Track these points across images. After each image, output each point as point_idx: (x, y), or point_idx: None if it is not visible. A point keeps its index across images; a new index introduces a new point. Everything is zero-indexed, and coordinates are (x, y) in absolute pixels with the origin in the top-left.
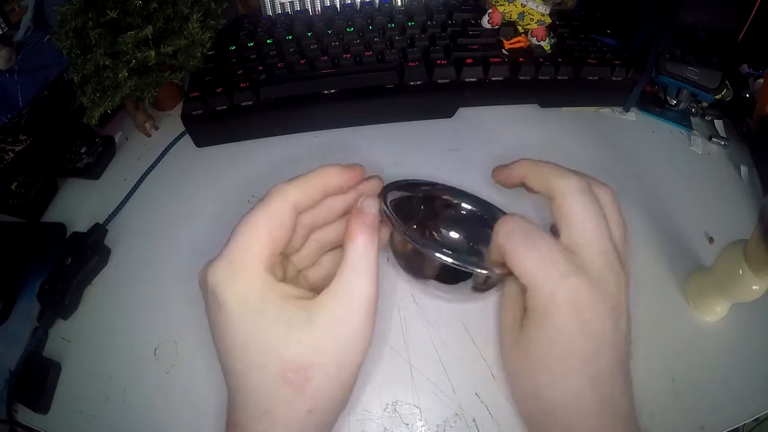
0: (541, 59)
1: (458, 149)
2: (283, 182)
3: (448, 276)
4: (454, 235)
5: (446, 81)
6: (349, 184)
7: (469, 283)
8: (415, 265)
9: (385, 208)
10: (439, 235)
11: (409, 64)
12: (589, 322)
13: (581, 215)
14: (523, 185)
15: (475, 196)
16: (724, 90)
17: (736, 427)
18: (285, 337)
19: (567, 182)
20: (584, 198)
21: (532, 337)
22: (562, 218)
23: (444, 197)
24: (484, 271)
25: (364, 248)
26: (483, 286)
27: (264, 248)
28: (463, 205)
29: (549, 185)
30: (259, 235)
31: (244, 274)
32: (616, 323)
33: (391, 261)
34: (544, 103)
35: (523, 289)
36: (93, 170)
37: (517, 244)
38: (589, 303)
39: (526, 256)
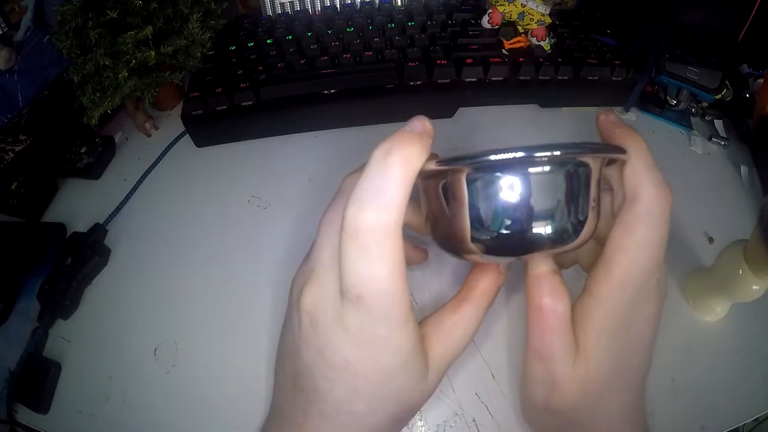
0: (541, 59)
1: (458, 149)
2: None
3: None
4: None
5: (446, 81)
6: None
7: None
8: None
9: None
10: None
11: (409, 63)
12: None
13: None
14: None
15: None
16: (724, 90)
17: (736, 427)
18: (413, 387)
19: (654, 193)
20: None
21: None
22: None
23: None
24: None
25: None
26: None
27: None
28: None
29: (634, 184)
30: (403, 280)
31: (408, 330)
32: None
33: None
34: (544, 103)
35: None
36: (93, 170)
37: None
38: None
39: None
